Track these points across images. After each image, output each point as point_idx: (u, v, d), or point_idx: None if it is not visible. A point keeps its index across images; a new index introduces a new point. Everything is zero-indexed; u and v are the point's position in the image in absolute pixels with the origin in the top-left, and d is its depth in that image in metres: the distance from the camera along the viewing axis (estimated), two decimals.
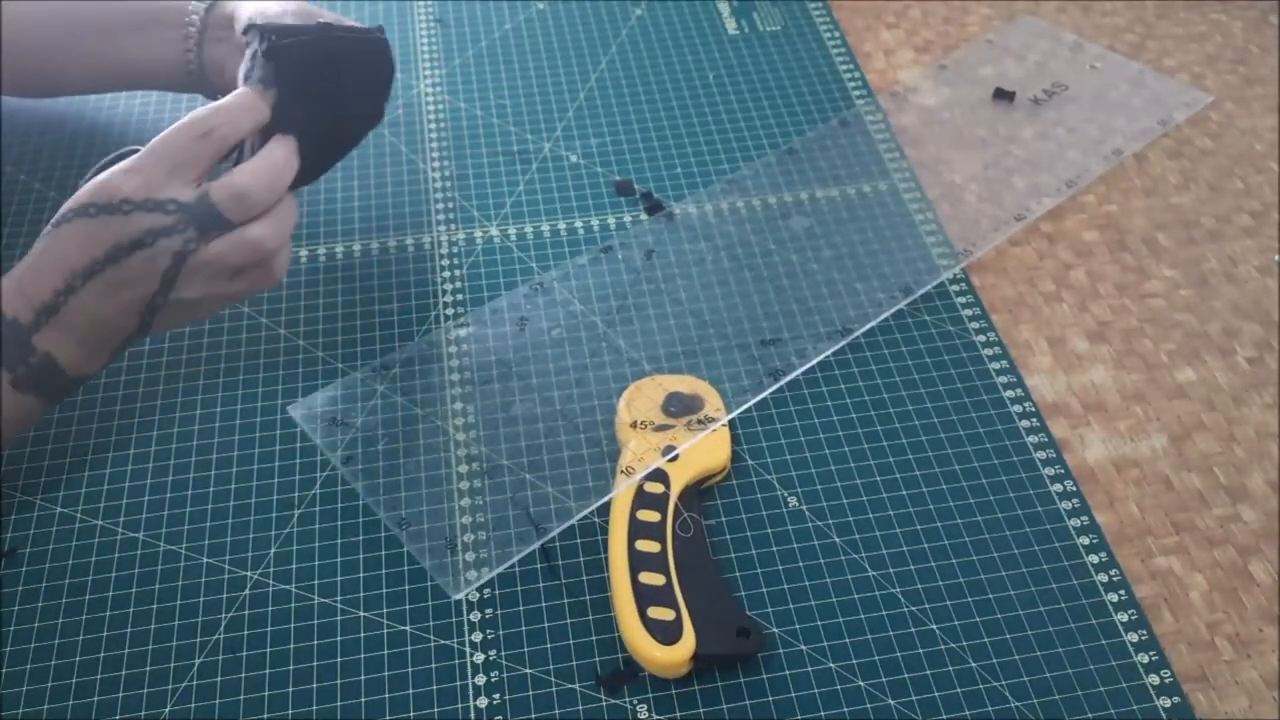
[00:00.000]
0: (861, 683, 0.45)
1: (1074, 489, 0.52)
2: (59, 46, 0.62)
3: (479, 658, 0.46)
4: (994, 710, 0.45)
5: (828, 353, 0.57)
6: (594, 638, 0.47)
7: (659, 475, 0.50)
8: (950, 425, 0.54)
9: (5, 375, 0.46)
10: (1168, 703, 0.45)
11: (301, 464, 0.52)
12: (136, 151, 0.65)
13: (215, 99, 0.63)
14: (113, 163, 0.65)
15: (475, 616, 0.47)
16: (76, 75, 0.64)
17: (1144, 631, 0.47)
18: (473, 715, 0.44)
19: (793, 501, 0.51)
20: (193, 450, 0.53)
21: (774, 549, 0.50)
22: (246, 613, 0.47)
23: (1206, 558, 0.50)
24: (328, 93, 0.50)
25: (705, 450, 0.51)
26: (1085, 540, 0.50)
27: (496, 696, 0.45)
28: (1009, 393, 0.56)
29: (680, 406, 0.53)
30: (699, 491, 0.50)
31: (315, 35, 0.49)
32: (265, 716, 0.44)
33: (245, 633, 0.47)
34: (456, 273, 0.61)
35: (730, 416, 0.53)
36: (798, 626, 0.47)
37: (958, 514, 0.51)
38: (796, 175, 0.67)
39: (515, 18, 0.78)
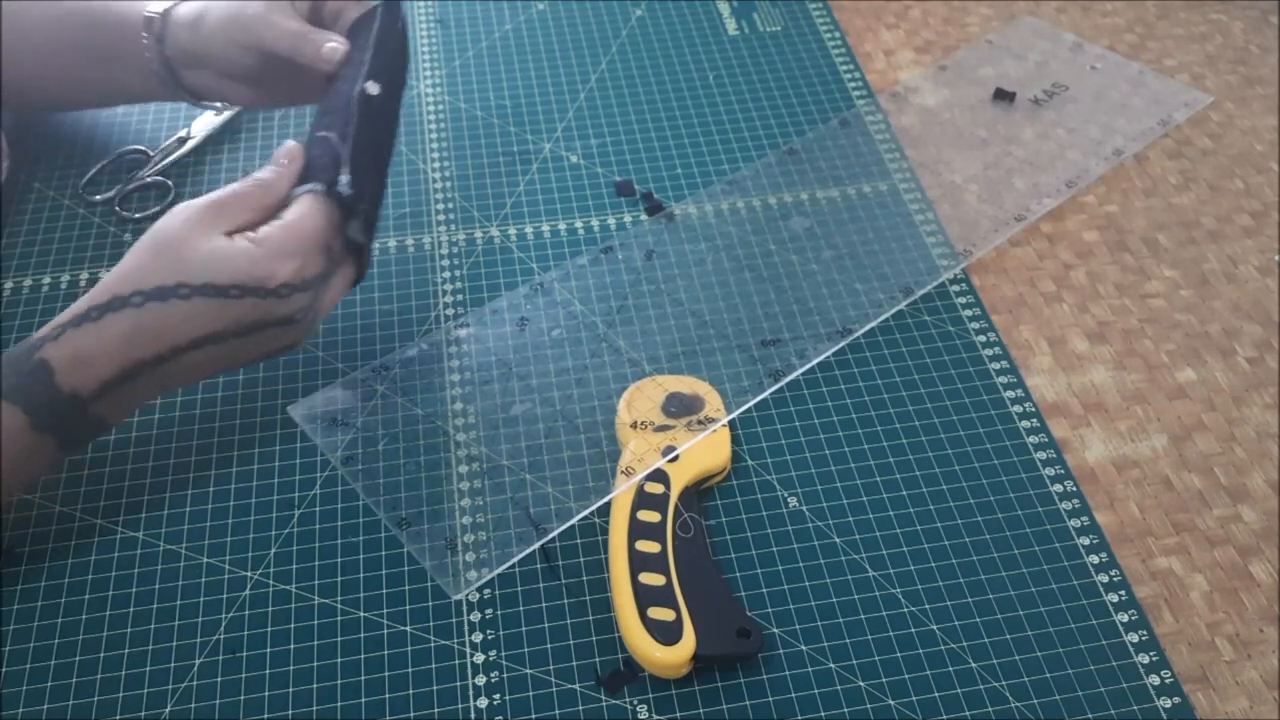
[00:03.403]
0: (861, 683, 0.45)
1: (1074, 489, 0.52)
2: (41, 69, 0.62)
3: (479, 658, 0.46)
4: (994, 710, 0.45)
5: (828, 353, 0.57)
6: (594, 638, 0.47)
7: (659, 476, 0.50)
8: (950, 425, 0.54)
9: (54, 442, 0.46)
10: (1168, 703, 0.45)
11: (301, 464, 0.52)
12: (140, 151, 0.66)
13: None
14: (114, 163, 0.66)
15: (475, 617, 0.47)
16: (65, 97, 0.65)
17: (1144, 632, 0.47)
18: (473, 715, 0.44)
19: (793, 501, 0.51)
20: (193, 450, 0.53)
21: (774, 549, 0.50)
22: (246, 613, 0.47)
23: (1207, 558, 0.50)
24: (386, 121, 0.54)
25: (705, 450, 0.51)
26: (1085, 540, 0.50)
27: (497, 697, 0.45)
28: (1009, 393, 0.56)
29: (680, 407, 0.53)
30: (699, 492, 0.50)
31: (354, 133, 0.50)
32: (265, 716, 0.44)
33: (245, 633, 0.47)
34: (456, 273, 0.61)
35: (730, 417, 0.53)
36: (798, 626, 0.47)
37: (958, 514, 0.51)
38: (796, 175, 0.67)
39: (515, 18, 0.78)
